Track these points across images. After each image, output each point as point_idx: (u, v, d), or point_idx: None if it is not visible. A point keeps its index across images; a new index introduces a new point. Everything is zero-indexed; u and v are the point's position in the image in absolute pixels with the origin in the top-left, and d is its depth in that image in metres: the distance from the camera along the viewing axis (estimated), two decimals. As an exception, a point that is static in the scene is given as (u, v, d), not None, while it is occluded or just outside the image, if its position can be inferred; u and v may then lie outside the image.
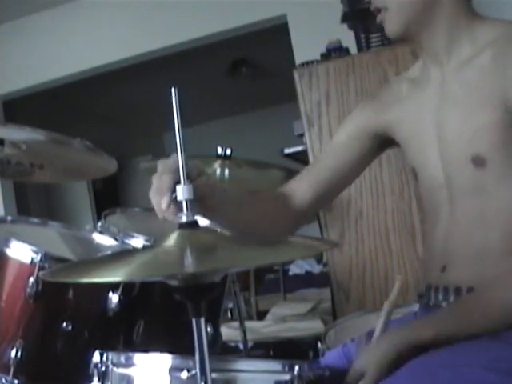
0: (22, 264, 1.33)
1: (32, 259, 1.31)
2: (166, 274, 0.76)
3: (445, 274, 1.02)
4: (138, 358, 0.93)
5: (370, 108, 1.22)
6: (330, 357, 1.14)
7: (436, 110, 1.05)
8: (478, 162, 0.96)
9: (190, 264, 0.77)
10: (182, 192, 0.82)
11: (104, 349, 0.96)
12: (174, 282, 0.78)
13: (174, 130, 0.80)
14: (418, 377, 0.89)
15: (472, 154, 0.97)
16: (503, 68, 0.94)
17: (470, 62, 1.00)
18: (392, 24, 1.05)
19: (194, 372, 0.84)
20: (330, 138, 2.22)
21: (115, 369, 0.94)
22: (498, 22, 1.03)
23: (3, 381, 1.28)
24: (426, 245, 1.13)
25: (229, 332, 2.46)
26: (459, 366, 0.86)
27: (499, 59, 0.95)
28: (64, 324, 1.31)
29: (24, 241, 1.35)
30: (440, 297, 1.03)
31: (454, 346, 0.90)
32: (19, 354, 1.28)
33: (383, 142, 1.22)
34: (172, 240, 0.79)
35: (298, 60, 3.02)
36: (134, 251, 1.04)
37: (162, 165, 0.93)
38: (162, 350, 0.95)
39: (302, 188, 1.21)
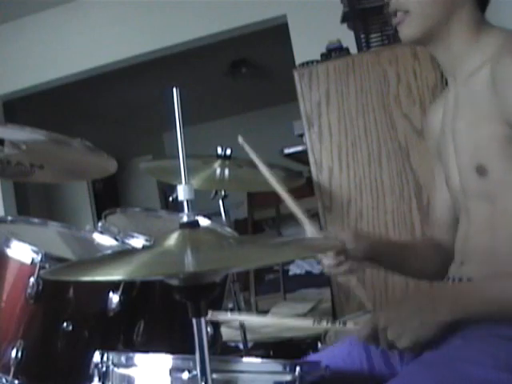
0: (22, 264, 1.33)
1: (32, 259, 1.31)
2: (166, 273, 0.76)
3: (462, 268, 1.09)
4: (139, 358, 0.93)
5: (429, 135, 1.27)
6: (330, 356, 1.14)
7: (452, 121, 1.09)
8: (481, 171, 1.01)
9: (190, 263, 0.77)
10: (183, 192, 0.81)
11: (104, 349, 0.96)
12: (174, 282, 0.78)
13: (174, 130, 0.80)
14: (423, 374, 0.89)
15: (476, 163, 1.01)
16: (498, 83, 0.96)
17: (476, 74, 1.02)
18: (410, 28, 1.07)
19: (194, 373, 0.84)
20: (330, 138, 2.22)
21: (116, 369, 0.94)
22: (501, 33, 1.04)
23: (4, 381, 1.28)
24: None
25: (229, 332, 2.45)
26: (466, 365, 0.87)
27: (496, 74, 0.97)
28: (64, 324, 1.31)
29: (24, 241, 1.35)
30: None
31: (462, 344, 0.91)
32: (19, 354, 1.28)
33: None
34: (172, 240, 0.79)
35: (298, 60, 3.02)
36: (134, 251, 1.04)
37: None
38: (162, 350, 0.95)
39: (439, 230, 1.28)
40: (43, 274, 1.26)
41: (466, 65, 1.06)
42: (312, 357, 1.18)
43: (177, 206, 0.89)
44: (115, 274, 0.75)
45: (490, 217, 1.02)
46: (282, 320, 1.11)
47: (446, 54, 1.09)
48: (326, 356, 1.13)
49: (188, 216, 0.80)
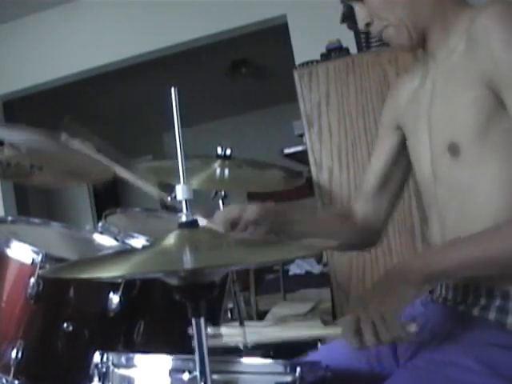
0: (22, 264, 1.33)
1: (33, 259, 1.31)
2: (164, 270, 0.76)
3: None
4: (139, 358, 0.93)
5: (390, 104, 1.25)
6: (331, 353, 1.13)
7: (429, 106, 1.06)
8: (453, 150, 0.97)
9: (188, 261, 0.77)
10: (182, 192, 0.81)
11: (104, 349, 0.96)
12: (173, 281, 0.77)
13: (174, 130, 0.80)
14: (414, 379, 0.89)
15: (448, 141, 0.98)
16: (475, 41, 0.94)
17: (454, 51, 1.00)
18: (401, 37, 1.05)
19: (195, 373, 0.84)
20: (329, 138, 2.22)
21: (116, 369, 0.94)
22: (474, 7, 1.02)
23: (4, 381, 1.28)
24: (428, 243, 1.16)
25: (229, 332, 2.45)
26: (459, 371, 0.86)
27: (471, 33, 0.95)
28: (65, 324, 1.31)
29: (25, 241, 1.35)
30: (442, 291, 1.06)
31: (456, 351, 0.90)
32: (20, 354, 1.28)
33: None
34: (171, 239, 0.79)
35: (298, 60, 3.02)
36: (133, 250, 1.03)
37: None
38: (162, 351, 0.95)
39: (363, 200, 1.29)
40: (42, 273, 1.26)
41: (446, 45, 1.03)
42: (311, 356, 1.18)
43: (174, 207, 0.89)
44: (113, 272, 0.75)
45: (462, 210, 0.99)
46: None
47: (431, 41, 1.06)
48: (326, 356, 1.13)
49: (186, 216, 0.80)
